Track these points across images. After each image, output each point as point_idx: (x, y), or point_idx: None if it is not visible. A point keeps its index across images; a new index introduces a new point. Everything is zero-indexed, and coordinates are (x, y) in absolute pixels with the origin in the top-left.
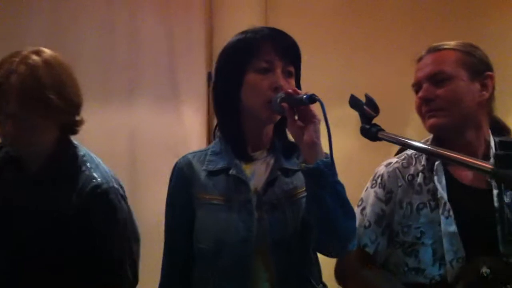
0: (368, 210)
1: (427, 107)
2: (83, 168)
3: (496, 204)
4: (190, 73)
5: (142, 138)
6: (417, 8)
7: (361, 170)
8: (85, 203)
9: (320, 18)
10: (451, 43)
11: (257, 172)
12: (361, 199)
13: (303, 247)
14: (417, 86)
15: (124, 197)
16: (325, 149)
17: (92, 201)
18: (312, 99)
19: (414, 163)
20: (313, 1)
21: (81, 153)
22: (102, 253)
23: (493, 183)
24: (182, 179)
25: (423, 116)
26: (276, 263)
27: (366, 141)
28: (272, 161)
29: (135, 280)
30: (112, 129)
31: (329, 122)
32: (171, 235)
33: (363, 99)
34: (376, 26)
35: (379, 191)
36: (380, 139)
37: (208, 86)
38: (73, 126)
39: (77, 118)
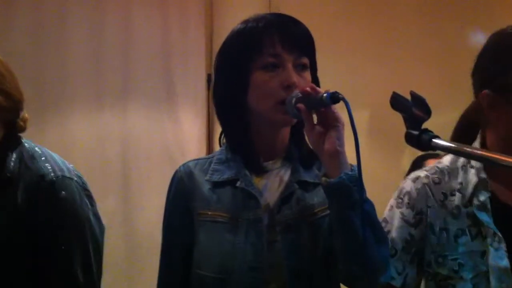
0: (393, 234)
1: None
2: (29, 164)
3: None
4: (188, 75)
5: (136, 144)
6: (422, 11)
7: (372, 178)
8: (30, 199)
9: (323, 21)
10: None
11: (269, 186)
12: (384, 220)
13: (325, 278)
14: None
15: (80, 189)
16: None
17: (36, 194)
18: (335, 98)
19: (447, 178)
20: (317, 4)
21: (29, 150)
22: (49, 252)
23: None
24: (182, 191)
25: None
26: None
27: (376, 146)
28: (288, 173)
29: (91, 281)
30: (104, 135)
31: None
32: (167, 254)
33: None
34: (379, 29)
35: (407, 212)
36: (433, 148)
37: (208, 88)
38: (19, 123)
39: (21, 114)
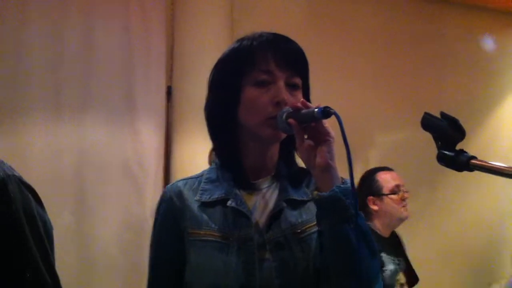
0: None
1: None
2: None
3: None
4: (149, 88)
5: (94, 157)
6: (387, 22)
7: None
8: None
9: (288, 32)
10: None
11: (259, 204)
12: None
13: None
14: None
15: (29, 187)
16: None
17: None
18: (326, 112)
19: None
20: (281, 15)
21: None
22: (12, 260)
23: None
24: (171, 210)
25: None
26: None
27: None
28: (276, 191)
29: (56, 281)
30: (61, 147)
31: None
32: (156, 275)
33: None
34: (346, 39)
35: None
36: (471, 170)
37: (168, 101)
38: None
39: None
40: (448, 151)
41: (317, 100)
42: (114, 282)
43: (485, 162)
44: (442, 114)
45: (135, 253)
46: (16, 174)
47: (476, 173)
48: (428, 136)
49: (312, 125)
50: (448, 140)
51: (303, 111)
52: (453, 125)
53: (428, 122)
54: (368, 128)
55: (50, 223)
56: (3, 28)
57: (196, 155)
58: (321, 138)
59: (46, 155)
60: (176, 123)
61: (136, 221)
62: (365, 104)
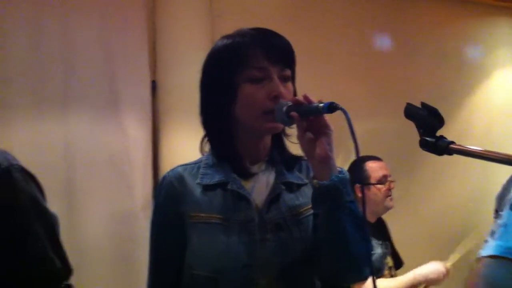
0: None
1: None
2: None
3: None
4: (132, 82)
5: (80, 152)
6: (362, 12)
7: None
8: None
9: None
10: None
11: (257, 188)
12: None
13: (309, 273)
14: None
15: (32, 176)
16: None
17: None
18: (333, 107)
19: None
20: (259, 8)
21: None
22: (19, 246)
23: None
24: (172, 195)
25: None
26: None
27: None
28: (272, 175)
29: (67, 268)
30: (45, 143)
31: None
32: (157, 257)
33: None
34: (323, 29)
35: None
36: (451, 153)
37: (153, 95)
38: None
39: None
40: (429, 137)
41: (305, 88)
42: (106, 275)
43: (463, 146)
44: (423, 104)
45: (126, 246)
46: (20, 163)
47: (453, 161)
48: (404, 124)
49: (310, 118)
50: (429, 127)
51: (306, 105)
52: (433, 114)
53: (410, 112)
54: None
55: (52, 211)
56: None
57: (184, 146)
58: (320, 130)
59: (31, 151)
60: (162, 115)
61: (126, 213)
62: (342, 94)
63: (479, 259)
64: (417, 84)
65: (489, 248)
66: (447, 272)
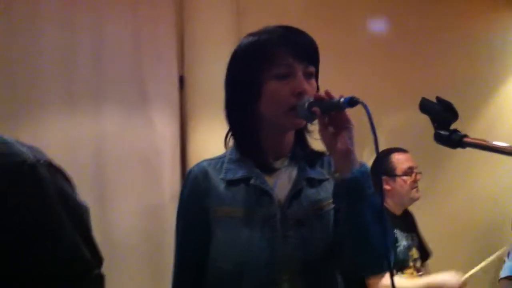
0: None
1: None
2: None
3: None
4: (161, 77)
5: (110, 147)
6: (392, 10)
7: None
8: (7, 186)
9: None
10: None
11: (279, 183)
12: None
13: (332, 269)
14: None
15: (60, 170)
16: None
17: (16, 181)
18: (354, 102)
19: None
20: (285, 5)
21: None
22: (49, 243)
23: None
24: (197, 189)
25: None
26: None
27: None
28: (295, 171)
29: (97, 258)
30: (77, 139)
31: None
32: (182, 250)
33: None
34: (348, 27)
35: None
36: (464, 146)
37: (181, 90)
38: None
39: None
40: (443, 131)
41: (321, 85)
42: (136, 267)
43: (476, 139)
44: (438, 98)
45: (155, 239)
46: (47, 159)
47: (481, 156)
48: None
49: (332, 113)
50: (443, 121)
51: (327, 100)
52: (447, 108)
53: (425, 106)
54: (372, 110)
55: (82, 202)
56: (15, 23)
57: (211, 140)
58: (341, 125)
59: (63, 147)
60: (190, 110)
61: (155, 207)
62: (368, 87)
63: (498, 281)
64: (445, 76)
65: (506, 270)
66: (463, 285)
